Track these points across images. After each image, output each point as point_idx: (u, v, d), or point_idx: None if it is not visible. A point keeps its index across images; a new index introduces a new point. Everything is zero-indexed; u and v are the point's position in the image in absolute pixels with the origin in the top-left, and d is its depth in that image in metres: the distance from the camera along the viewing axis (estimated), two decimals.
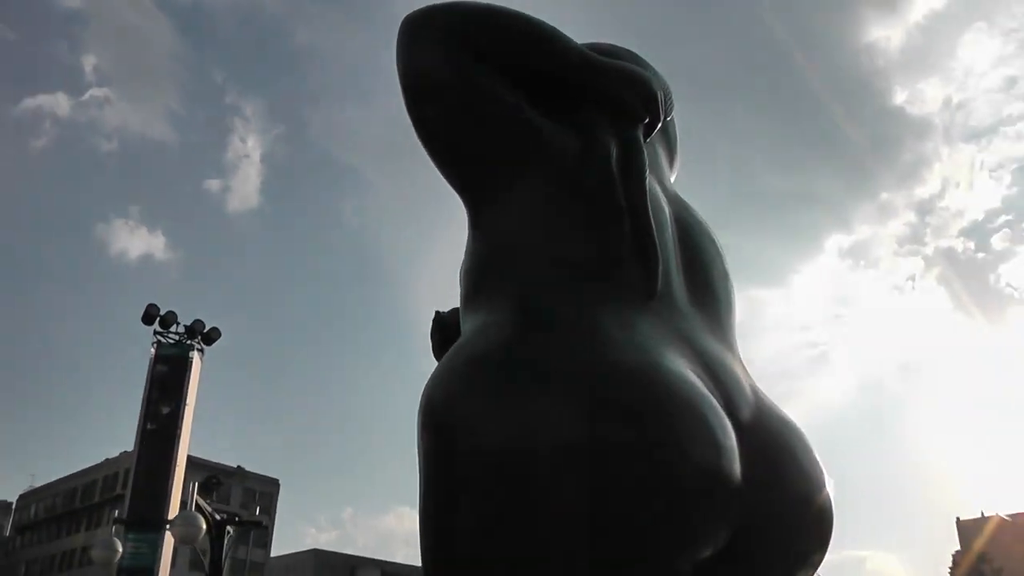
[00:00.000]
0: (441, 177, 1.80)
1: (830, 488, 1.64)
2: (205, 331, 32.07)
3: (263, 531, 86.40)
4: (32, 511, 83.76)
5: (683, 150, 2.23)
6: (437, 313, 2.49)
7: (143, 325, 31.51)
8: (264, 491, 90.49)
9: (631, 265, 1.64)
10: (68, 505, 77.07)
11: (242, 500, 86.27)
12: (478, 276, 1.73)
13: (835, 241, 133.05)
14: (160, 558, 28.38)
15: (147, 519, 28.73)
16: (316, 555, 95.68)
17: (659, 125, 1.91)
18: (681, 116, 2.12)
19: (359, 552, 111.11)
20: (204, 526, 17.37)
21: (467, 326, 1.67)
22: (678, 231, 1.80)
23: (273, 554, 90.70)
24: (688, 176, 2.24)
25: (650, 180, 1.79)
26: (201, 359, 32.23)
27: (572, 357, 1.43)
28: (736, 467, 1.43)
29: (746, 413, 1.56)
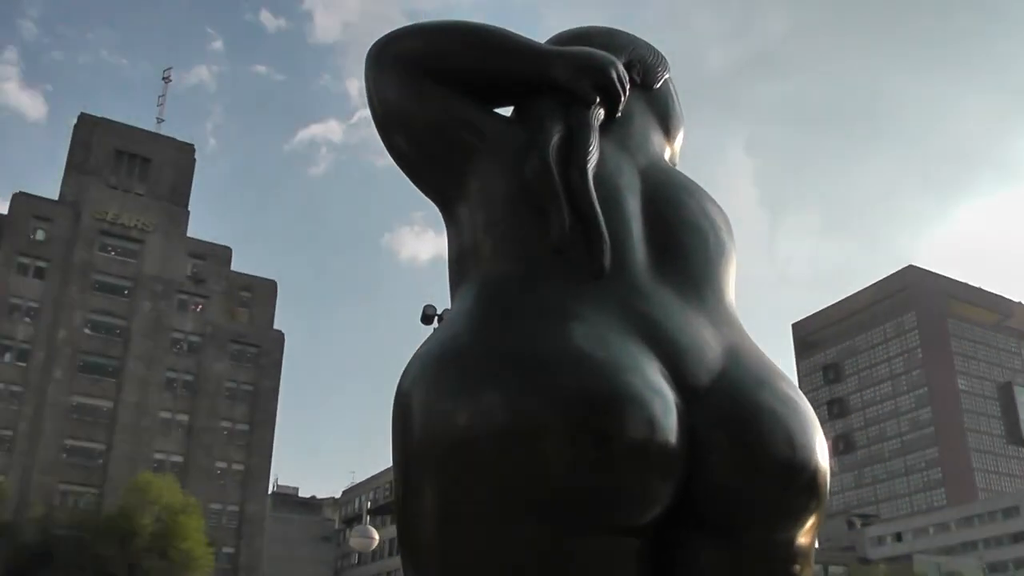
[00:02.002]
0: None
1: (821, 448, 1.64)
2: None
3: None
4: (355, 504, 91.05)
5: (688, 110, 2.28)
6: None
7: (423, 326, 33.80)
8: None
9: (578, 248, 1.71)
10: (387, 497, 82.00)
11: None
12: (453, 270, 1.89)
13: None
14: None
15: None
16: None
17: (621, 102, 1.97)
18: None
19: None
20: (376, 537, 20.09)
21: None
22: (647, 199, 1.87)
23: None
24: None
25: (611, 157, 1.87)
26: None
27: (513, 347, 1.55)
28: (671, 437, 1.50)
29: (703, 379, 1.62)
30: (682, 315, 1.71)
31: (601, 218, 1.73)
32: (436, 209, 1.98)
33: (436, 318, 33.41)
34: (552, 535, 1.45)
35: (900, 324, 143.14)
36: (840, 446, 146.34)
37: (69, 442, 64.18)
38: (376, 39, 1.99)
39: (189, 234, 74.75)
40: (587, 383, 1.48)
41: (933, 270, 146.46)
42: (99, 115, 76.09)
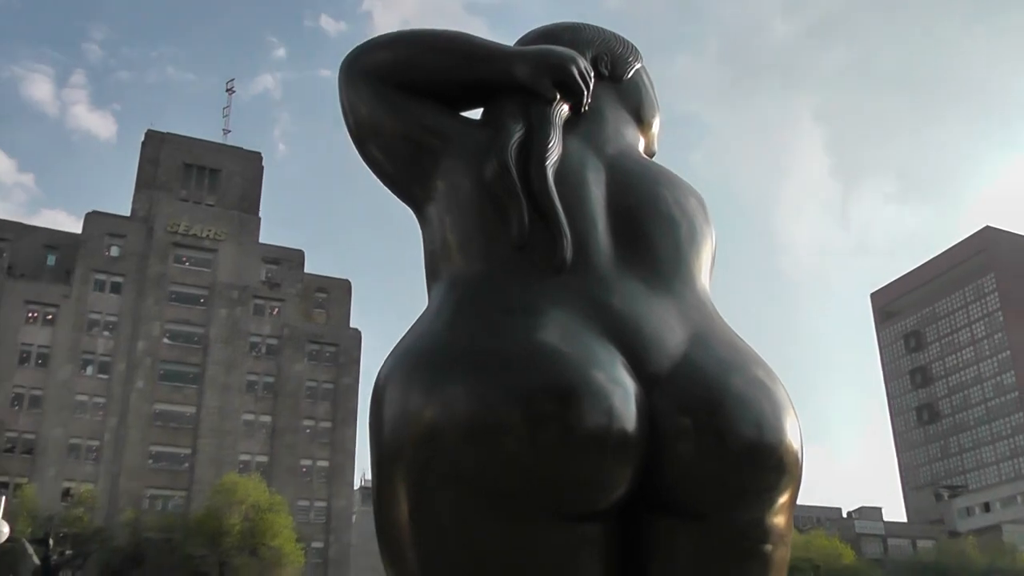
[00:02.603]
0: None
1: (791, 429, 1.67)
2: None
3: None
4: None
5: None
6: None
7: None
8: None
9: (541, 245, 1.75)
10: None
11: None
12: (427, 271, 1.95)
13: None
14: None
15: None
16: None
17: (585, 96, 2.00)
18: None
19: None
20: None
21: None
22: (613, 192, 1.90)
23: None
24: None
25: (575, 151, 1.91)
26: None
27: (476, 344, 1.61)
28: (629, 426, 1.55)
29: (664, 365, 1.65)
30: (646, 304, 1.75)
31: (561, 213, 1.78)
32: None
33: None
34: (515, 524, 1.53)
35: (980, 287, 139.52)
36: (925, 416, 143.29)
37: (154, 448, 66.44)
38: (347, 53, 2.07)
39: (262, 240, 76.47)
40: (546, 377, 1.55)
41: (1011, 230, 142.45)
42: (166, 131, 78.51)
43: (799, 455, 1.70)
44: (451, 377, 1.58)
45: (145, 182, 75.24)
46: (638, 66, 2.27)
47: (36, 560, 40.50)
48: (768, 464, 1.64)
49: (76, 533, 53.62)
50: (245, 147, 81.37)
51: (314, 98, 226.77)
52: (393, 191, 2.03)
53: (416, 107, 1.95)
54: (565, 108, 1.98)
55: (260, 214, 78.37)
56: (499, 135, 1.88)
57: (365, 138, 2.01)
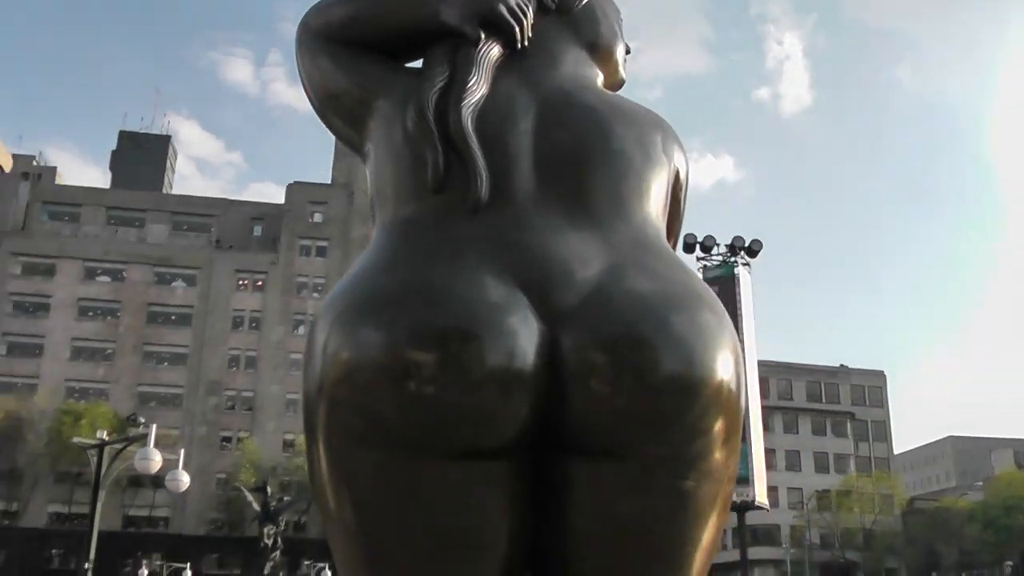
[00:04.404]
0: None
1: (724, 363, 1.63)
2: (746, 245, 32.52)
3: (881, 426, 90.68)
4: None
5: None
6: None
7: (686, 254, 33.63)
8: (872, 385, 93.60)
9: (460, 186, 1.76)
10: None
11: (852, 397, 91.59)
12: (371, 219, 2.00)
13: None
14: (751, 466, 29.70)
15: None
16: (952, 442, 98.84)
17: (519, 32, 1.98)
18: None
19: (992, 434, 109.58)
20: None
21: None
22: (542, 126, 1.87)
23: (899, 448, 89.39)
24: None
25: (503, 90, 1.91)
26: (748, 272, 32.90)
27: (381, 287, 1.65)
28: (522, 363, 1.56)
29: (569, 301, 1.63)
30: (560, 238, 1.72)
31: (476, 153, 1.77)
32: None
33: (697, 246, 33.50)
34: (414, 461, 1.56)
35: None
36: None
37: None
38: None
39: None
40: (442, 318, 1.57)
41: None
42: None
43: (734, 389, 1.65)
44: (361, 320, 1.61)
45: (343, 150, 77.33)
46: None
47: (256, 507, 43.07)
48: (701, 400, 1.60)
49: (298, 480, 56.67)
50: None
51: None
52: (353, 151, 2.09)
53: (368, 65, 1.99)
54: (495, 48, 1.95)
55: None
56: (422, 82, 1.88)
57: (327, 110, 2.07)
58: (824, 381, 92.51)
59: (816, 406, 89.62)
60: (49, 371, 67.52)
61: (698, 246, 33.15)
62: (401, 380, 1.54)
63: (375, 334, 1.58)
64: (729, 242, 33.10)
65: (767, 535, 78.85)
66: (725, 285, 32.51)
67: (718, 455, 1.64)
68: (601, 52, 2.16)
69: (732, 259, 33.19)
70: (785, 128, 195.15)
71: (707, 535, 1.66)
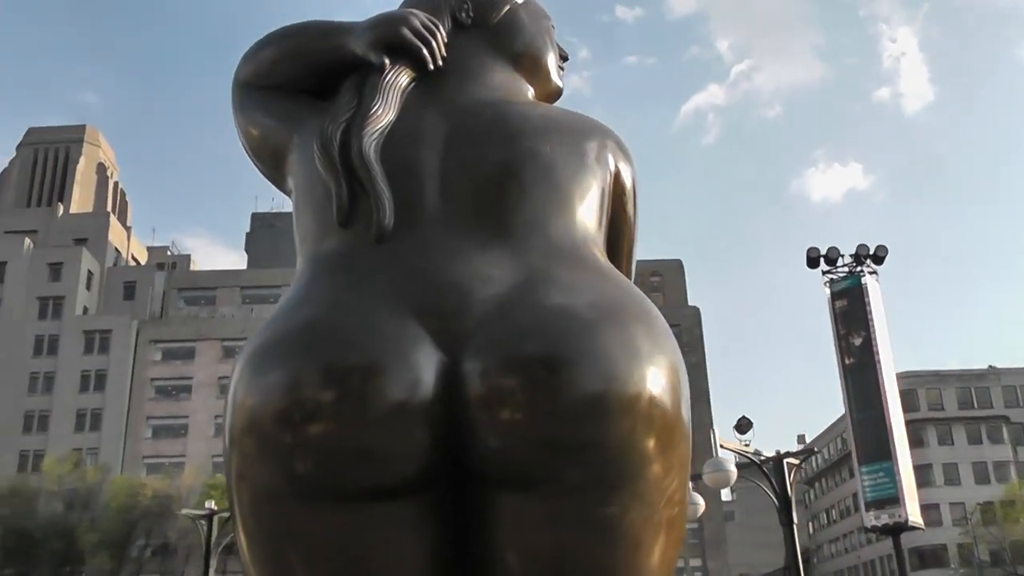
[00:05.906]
0: None
1: (655, 380, 1.53)
2: (871, 253, 31.70)
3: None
4: (812, 463, 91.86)
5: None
6: None
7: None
8: None
9: (366, 217, 1.73)
10: (840, 451, 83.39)
11: (1005, 399, 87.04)
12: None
13: None
14: (900, 484, 28.74)
15: (873, 449, 29.96)
16: None
17: (427, 53, 1.94)
18: None
19: None
20: (734, 469, 17.65)
21: None
22: (452, 147, 1.83)
23: None
24: None
25: (411, 113, 1.87)
26: (877, 281, 31.72)
27: (283, 329, 1.62)
28: (418, 395, 1.50)
29: (470, 326, 1.56)
30: (463, 260, 1.66)
31: (378, 182, 1.74)
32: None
33: (822, 259, 32.22)
34: (317, 509, 1.51)
35: None
36: None
37: None
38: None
39: None
40: (337, 356, 1.53)
41: None
42: None
43: (655, 402, 1.52)
44: (264, 364, 1.58)
45: None
46: (509, 6, 2.13)
47: None
48: (587, 417, 1.48)
49: None
50: None
51: (624, 87, 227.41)
52: (280, 190, 2.06)
53: (292, 104, 1.98)
54: (403, 73, 1.92)
55: None
56: (328, 115, 1.86)
57: (255, 155, 2.06)
58: (974, 386, 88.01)
59: (968, 413, 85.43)
60: (195, 449, 69.72)
61: (822, 259, 32.01)
62: (299, 423, 1.50)
63: (274, 377, 1.54)
64: (854, 251, 31.82)
65: (934, 556, 75.93)
66: (853, 296, 31.39)
67: (650, 475, 1.51)
68: (527, 63, 2.10)
69: (858, 269, 31.87)
70: (910, 127, 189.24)
71: (647, 563, 1.53)
